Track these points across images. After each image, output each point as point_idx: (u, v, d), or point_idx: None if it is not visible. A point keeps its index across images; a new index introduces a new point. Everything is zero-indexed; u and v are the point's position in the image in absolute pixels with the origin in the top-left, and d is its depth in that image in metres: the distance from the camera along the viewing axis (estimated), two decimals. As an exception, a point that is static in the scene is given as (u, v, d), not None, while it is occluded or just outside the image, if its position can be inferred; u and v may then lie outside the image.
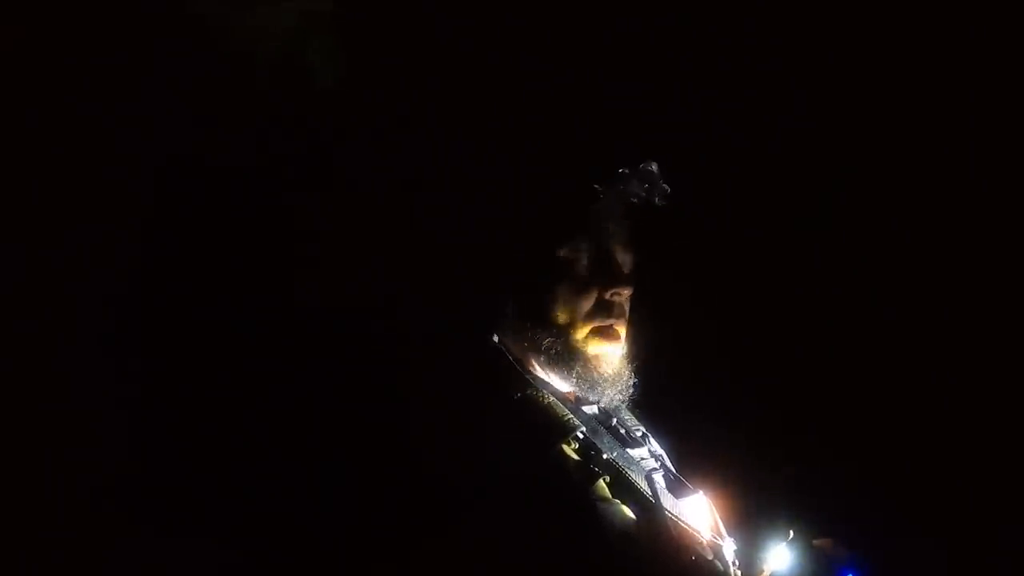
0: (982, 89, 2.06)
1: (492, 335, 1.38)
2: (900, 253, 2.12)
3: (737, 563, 1.35)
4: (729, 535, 1.38)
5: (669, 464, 1.44)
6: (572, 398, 1.39)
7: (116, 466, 1.57)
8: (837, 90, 2.12)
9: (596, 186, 1.33)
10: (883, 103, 2.11)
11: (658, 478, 1.32)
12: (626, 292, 1.35)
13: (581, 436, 1.27)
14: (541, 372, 1.37)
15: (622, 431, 1.41)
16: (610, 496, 1.24)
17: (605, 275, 1.34)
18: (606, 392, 1.35)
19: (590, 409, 1.39)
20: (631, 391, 1.38)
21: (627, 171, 1.34)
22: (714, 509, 1.41)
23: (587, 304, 1.33)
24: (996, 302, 2.08)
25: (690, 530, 1.28)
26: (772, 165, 2.09)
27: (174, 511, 1.59)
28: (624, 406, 1.47)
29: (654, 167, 1.36)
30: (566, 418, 1.28)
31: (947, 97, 2.08)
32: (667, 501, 1.28)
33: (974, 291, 2.08)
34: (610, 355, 1.36)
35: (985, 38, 2.04)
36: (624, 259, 1.37)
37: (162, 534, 1.55)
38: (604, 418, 1.40)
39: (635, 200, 1.35)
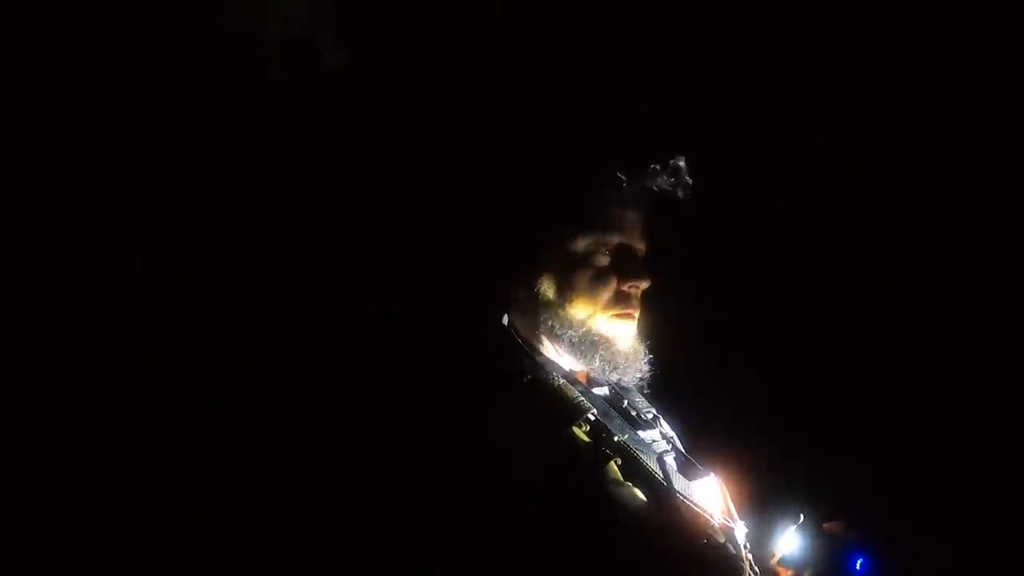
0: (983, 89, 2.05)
1: (501, 317, 1.36)
2: (914, 244, 2.11)
3: (748, 546, 1.34)
4: (740, 518, 1.37)
5: (680, 446, 1.43)
6: (584, 380, 1.37)
7: (132, 464, 1.56)
8: (853, 85, 2.10)
9: (621, 177, 1.34)
10: (902, 101, 2.10)
11: (669, 460, 1.31)
12: (643, 285, 1.36)
13: (592, 418, 1.25)
14: (553, 354, 1.36)
15: (633, 413, 1.41)
16: (621, 478, 1.23)
17: (624, 267, 1.35)
18: (628, 371, 1.37)
19: (601, 391, 1.38)
20: (649, 370, 1.40)
21: (658, 167, 1.35)
22: (725, 491, 1.40)
23: (606, 294, 1.35)
24: (1016, 290, 2.07)
25: (702, 512, 1.27)
26: (791, 156, 2.08)
27: (185, 510, 1.58)
28: (635, 388, 1.46)
29: (682, 162, 1.36)
30: (576, 400, 1.27)
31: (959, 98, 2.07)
32: (678, 483, 1.27)
33: (990, 280, 2.07)
34: (627, 336, 1.37)
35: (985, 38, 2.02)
36: (643, 251, 1.38)
37: (173, 533, 1.54)
38: (615, 400, 1.39)
39: (660, 192, 1.36)
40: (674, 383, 1.48)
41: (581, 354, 1.34)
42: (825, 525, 1.54)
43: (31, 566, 1.46)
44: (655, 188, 1.35)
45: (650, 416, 1.44)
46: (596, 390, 1.36)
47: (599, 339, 1.34)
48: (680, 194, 1.36)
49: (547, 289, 1.34)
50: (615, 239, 1.35)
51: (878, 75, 2.09)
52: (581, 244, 1.34)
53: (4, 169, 1.54)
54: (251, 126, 1.75)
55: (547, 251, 1.35)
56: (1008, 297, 2.08)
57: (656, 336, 1.42)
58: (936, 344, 2.10)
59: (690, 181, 1.36)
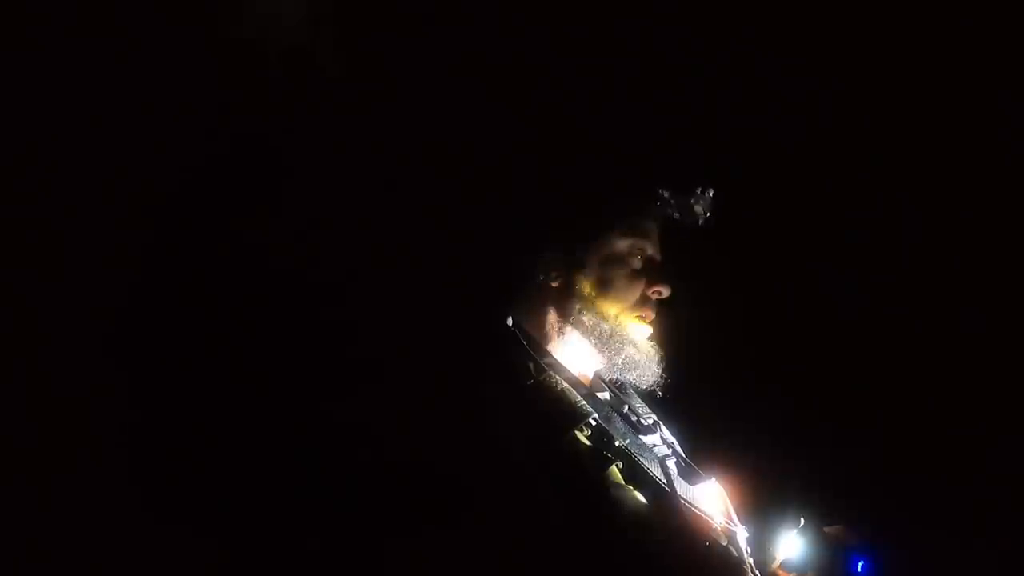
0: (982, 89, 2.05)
1: (507, 317, 1.37)
2: (918, 245, 2.11)
3: (750, 550, 1.35)
4: (742, 522, 1.38)
5: (680, 451, 1.44)
6: (587, 383, 1.38)
7: (112, 464, 1.55)
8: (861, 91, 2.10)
9: (670, 191, 1.42)
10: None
11: (671, 465, 1.32)
12: (666, 293, 1.42)
13: (593, 423, 1.26)
14: (562, 354, 1.37)
15: (633, 418, 1.41)
16: (623, 483, 1.23)
17: (652, 274, 1.41)
18: (645, 373, 1.41)
19: (603, 395, 1.38)
20: (662, 374, 1.43)
21: (702, 192, 1.43)
22: (726, 496, 1.40)
23: (634, 295, 1.40)
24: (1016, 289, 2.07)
25: (703, 516, 1.27)
26: (794, 162, 2.08)
27: (172, 508, 1.57)
28: (635, 393, 1.47)
29: (711, 193, 1.45)
30: (579, 405, 1.27)
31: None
32: (680, 487, 1.28)
33: (991, 280, 2.08)
34: (646, 338, 1.42)
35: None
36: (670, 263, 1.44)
37: (161, 532, 1.53)
38: (617, 404, 1.40)
39: (695, 216, 1.44)
40: (675, 388, 1.48)
41: (609, 348, 1.38)
42: (826, 529, 1.54)
43: (38, 564, 1.46)
44: (691, 209, 1.43)
45: (650, 421, 1.44)
46: (599, 394, 1.37)
47: (626, 336, 1.39)
48: (700, 221, 1.44)
49: (584, 283, 1.39)
50: (648, 247, 1.42)
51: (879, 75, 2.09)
52: (622, 245, 1.40)
53: (7, 172, 1.54)
54: (253, 133, 1.75)
55: (593, 246, 1.40)
56: (1009, 297, 2.08)
57: (659, 342, 1.44)
58: (936, 347, 2.10)
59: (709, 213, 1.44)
